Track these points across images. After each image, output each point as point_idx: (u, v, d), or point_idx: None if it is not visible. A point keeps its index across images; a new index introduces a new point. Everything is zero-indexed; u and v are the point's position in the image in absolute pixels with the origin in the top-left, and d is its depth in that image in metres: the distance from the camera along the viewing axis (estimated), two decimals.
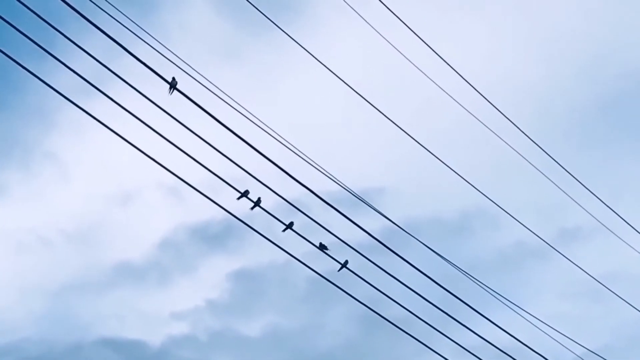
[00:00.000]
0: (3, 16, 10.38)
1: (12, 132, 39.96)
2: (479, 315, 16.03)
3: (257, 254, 37.26)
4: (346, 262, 14.59)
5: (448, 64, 15.96)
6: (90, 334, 38.63)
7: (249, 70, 36.49)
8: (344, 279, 14.49)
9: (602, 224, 20.74)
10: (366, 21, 15.17)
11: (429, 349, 15.85)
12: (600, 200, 20.32)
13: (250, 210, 13.82)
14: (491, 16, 39.49)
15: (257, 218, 13.55)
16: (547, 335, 18.65)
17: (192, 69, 12.72)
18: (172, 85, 12.18)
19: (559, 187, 19.24)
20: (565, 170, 19.20)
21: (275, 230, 13.77)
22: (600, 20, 39.58)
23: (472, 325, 15.90)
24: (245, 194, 13.71)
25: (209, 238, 40.04)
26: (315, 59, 14.20)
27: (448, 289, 15.25)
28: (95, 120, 11.21)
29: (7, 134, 39.88)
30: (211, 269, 40.54)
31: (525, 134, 17.95)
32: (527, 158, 18.32)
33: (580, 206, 19.94)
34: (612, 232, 21.09)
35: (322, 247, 14.42)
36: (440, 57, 15.82)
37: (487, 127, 17.31)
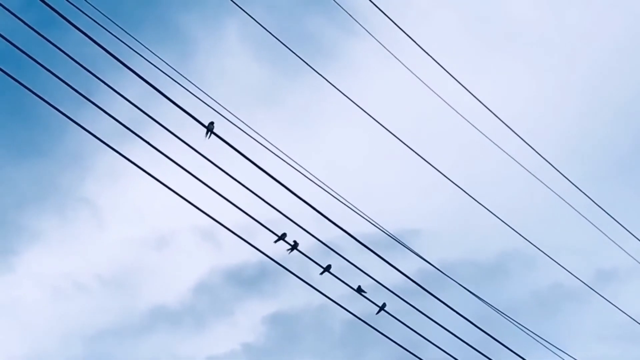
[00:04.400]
0: (41, 62, 10.49)
1: (49, 178, 40.26)
2: (518, 358, 15.89)
3: (292, 297, 37.18)
4: (384, 304, 14.53)
5: (483, 104, 15.95)
6: None
7: (286, 113, 36.64)
8: (381, 321, 14.42)
9: None
10: (403, 64, 15.19)
11: None
12: (639, 240, 20.15)
13: (285, 253, 13.78)
14: (529, 59, 39.48)
15: (293, 261, 13.51)
16: None
17: (229, 112, 12.78)
18: (209, 129, 12.24)
19: (597, 228, 19.11)
20: (604, 210, 19.08)
21: (311, 272, 13.73)
22: (638, 60, 39.47)
23: None
24: (282, 237, 13.67)
25: (244, 281, 39.98)
26: (352, 102, 14.23)
27: (486, 330, 15.14)
28: (130, 164, 11.25)
29: (43, 179, 40.17)
30: (247, 313, 40.45)
31: (563, 174, 17.88)
32: (564, 198, 18.22)
33: (619, 246, 19.78)
34: None
35: (359, 290, 14.36)
36: (476, 97, 15.82)
37: (524, 167, 17.25)
